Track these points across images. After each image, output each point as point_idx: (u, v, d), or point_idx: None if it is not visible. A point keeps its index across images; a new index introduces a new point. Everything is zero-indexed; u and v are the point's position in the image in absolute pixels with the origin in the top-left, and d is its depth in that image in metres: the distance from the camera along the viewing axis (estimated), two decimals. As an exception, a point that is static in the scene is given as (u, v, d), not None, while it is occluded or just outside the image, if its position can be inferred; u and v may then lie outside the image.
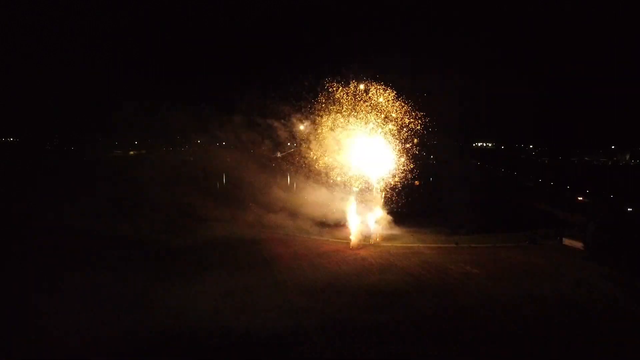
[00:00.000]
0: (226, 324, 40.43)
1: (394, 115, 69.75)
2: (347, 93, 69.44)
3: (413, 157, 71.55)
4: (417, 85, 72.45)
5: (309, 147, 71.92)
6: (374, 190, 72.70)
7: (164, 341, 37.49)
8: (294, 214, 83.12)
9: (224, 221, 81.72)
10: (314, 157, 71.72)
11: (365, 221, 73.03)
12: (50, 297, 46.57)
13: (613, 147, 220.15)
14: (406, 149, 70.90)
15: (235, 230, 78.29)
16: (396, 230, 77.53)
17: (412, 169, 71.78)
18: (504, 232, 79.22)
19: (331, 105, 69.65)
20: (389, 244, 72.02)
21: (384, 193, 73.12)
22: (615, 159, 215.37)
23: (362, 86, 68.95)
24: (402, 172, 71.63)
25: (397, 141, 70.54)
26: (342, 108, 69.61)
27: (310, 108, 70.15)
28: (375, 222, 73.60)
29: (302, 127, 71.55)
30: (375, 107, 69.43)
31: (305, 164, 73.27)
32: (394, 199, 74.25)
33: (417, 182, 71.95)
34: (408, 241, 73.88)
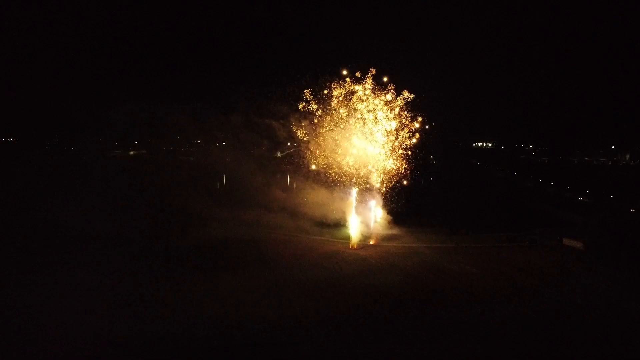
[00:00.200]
0: (226, 324, 40.37)
1: (393, 115, 69.65)
2: (346, 93, 69.30)
3: (413, 157, 71.38)
4: (418, 86, 72.10)
5: (308, 147, 71.86)
6: (373, 190, 72.59)
7: (164, 341, 37.43)
8: (293, 214, 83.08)
9: (223, 221, 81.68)
10: (314, 157, 71.63)
11: (365, 221, 72.99)
12: (50, 297, 46.54)
13: (613, 147, 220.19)
14: (406, 148, 70.77)
15: (235, 230, 78.27)
16: (396, 230, 77.47)
17: (412, 168, 71.64)
18: (504, 232, 79.17)
19: (331, 106, 69.57)
20: (389, 244, 71.99)
21: (383, 193, 73.03)
22: (615, 159, 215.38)
23: (360, 86, 68.83)
24: (402, 172, 71.50)
25: (397, 141, 70.40)
26: (342, 108, 69.51)
27: (310, 108, 69.99)
28: (375, 222, 73.56)
29: (302, 127, 71.40)
30: (374, 108, 69.33)
31: (305, 163, 73.22)
32: (394, 199, 74.23)
33: (405, 182, 71.80)
34: (408, 241, 73.84)
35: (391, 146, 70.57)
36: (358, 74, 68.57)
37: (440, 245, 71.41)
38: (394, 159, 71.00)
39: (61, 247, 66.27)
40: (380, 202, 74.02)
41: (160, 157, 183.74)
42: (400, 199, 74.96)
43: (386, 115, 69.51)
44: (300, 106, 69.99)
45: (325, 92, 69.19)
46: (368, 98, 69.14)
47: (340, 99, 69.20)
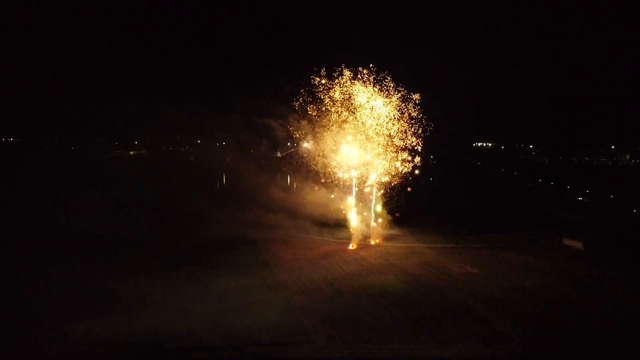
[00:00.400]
0: (226, 324, 40.36)
1: (393, 115, 69.61)
2: (346, 93, 69.25)
3: (413, 157, 71.33)
4: (418, 85, 72.09)
5: (308, 147, 71.82)
6: (373, 190, 72.58)
7: (164, 341, 37.39)
8: (293, 214, 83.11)
9: (224, 221, 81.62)
10: (314, 157, 71.61)
11: (365, 221, 72.97)
12: (50, 297, 46.56)
13: (613, 147, 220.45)
14: (406, 148, 70.74)
15: (235, 230, 78.22)
16: (396, 230, 77.50)
17: (412, 168, 71.57)
18: (504, 232, 79.18)
19: (331, 106, 69.52)
20: (389, 244, 71.99)
21: (383, 193, 72.98)
22: (615, 159, 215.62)
23: (360, 86, 68.80)
24: (402, 172, 71.44)
25: (397, 141, 70.34)
26: (341, 108, 69.47)
27: (310, 108, 69.94)
28: (375, 222, 73.56)
29: (301, 127, 71.39)
30: (373, 107, 69.26)
31: (304, 163, 73.22)
32: (394, 198, 74.20)
33: (405, 182, 71.80)
34: (408, 241, 73.86)
35: (391, 146, 70.51)
36: (358, 74, 68.66)
37: (440, 245, 71.42)
38: (394, 159, 70.94)
39: (61, 247, 66.26)
40: (380, 202, 73.99)
41: (160, 157, 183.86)
42: (400, 199, 75.01)
43: (386, 115, 69.43)
44: (300, 106, 70.01)
45: (325, 92, 69.19)
46: (368, 98, 69.06)
47: (340, 99, 69.17)
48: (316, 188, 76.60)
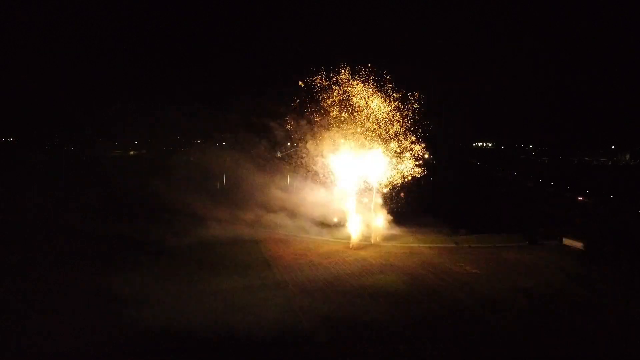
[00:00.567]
0: (226, 323, 40.33)
1: (393, 114, 69.59)
2: (346, 92, 69.22)
3: (412, 157, 71.29)
4: (418, 86, 72.03)
5: (308, 147, 71.75)
6: (373, 190, 72.56)
7: (164, 341, 37.40)
8: (293, 214, 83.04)
9: (223, 221, 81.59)
10: (314, 157, 71.56)
11: (365, 221, 72.93)
12: (50, 297, 46.56)
13: (613, 147, 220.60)
14: (406, 148, 70.69)
15: (235, 230, 78.20)
16: (396, 230, 77.46)
17: (412, 168, 71.51)
18: (503, 232, 79.16)
19: (331, 106, 69.48)
20: (389, 244, 71.97)
21: (383, 193, 72.98)
22: (615, 159, 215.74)
23: (360, 86, 68.77)
24: (402, 172, 71.41)
25: (397, 141, 70.33)
26: (343, 108, 69.43)
27: (310, 108, 69.94)
28: (375, 222, 73.50)
29: (301, 128, 71.31)
30: (372, 107, 69.25)
31: (304, 163, 73.15)
32: (394, 198, 74.16)
33: (405, 182, 71.73)
34: (408, 241, 73.84)
35: (390, 146, 70.46)
36: (357, 74, 68.60)
37: (440, 245, 71.41)
38: (393, 159, 70.91)
39: (60, 247, 66.24)
40: (381, 202, 73.98)
41: (160, 157, 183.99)
42: (400, 199, 74.97)
43: (385, 115, 69.41)
44: (300, 106, 69.98)
45: (325, 92, 69.15)
46: (368, 97, 69.04)
47: (340, 98, 69.13)
48: (316, 188, 76.53)
